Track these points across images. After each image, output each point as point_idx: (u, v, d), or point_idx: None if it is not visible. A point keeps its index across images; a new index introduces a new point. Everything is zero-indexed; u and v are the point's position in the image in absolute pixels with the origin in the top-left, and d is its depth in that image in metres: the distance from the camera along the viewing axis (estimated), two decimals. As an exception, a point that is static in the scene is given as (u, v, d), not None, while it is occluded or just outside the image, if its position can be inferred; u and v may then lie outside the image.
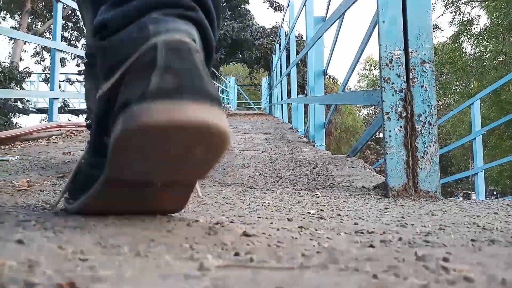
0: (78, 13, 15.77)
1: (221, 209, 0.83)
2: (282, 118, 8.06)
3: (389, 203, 1.12)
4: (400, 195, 1.35)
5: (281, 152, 2.76)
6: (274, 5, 15.36)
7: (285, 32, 7.47)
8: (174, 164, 0.54)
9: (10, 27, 15.50)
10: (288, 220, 0.70)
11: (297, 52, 6.39)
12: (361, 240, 0.53)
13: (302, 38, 13.50)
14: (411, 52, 1.42)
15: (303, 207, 0.92)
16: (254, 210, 0.80)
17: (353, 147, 2.42)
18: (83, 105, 16.09)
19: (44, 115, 15.87)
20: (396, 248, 0.50)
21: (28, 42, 12.77)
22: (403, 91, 1.40)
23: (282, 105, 7.99)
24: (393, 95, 1.40)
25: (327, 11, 3.41)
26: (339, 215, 0.77)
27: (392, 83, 1.40)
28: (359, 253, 0.46)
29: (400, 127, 1.39)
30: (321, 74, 3.51)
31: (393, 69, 1.41)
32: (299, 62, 5.11)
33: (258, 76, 17.42)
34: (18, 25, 14.21)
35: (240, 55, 14.78)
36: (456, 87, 17.97)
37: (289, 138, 4.00)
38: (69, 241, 0.43)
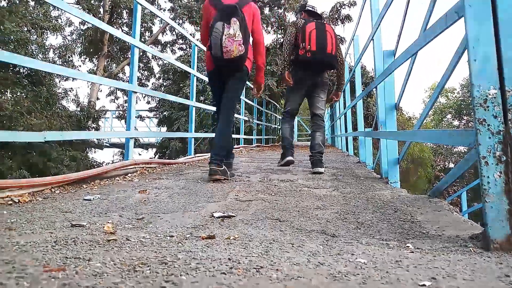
0: (148, 54, 16.93)
1: (318, 273, 0.77)
2: (347, 150, 7.86)
3: (501, 264, 1.00)
4: (503, 248, 1.21)
5: (354, 191, 2.64)
6: (335, 37, 15.40)
7: (348, 64, 7.41)
8: None
9: (89, 69, 17.00)
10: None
11: (362, 83, 6.27)
12: None
13: (365, 69, 13.34)
14: (508, 91, 1.30)
15: (407, 271, 0.84)
16: (362, 282, 0.73)
17: (436, 186, 2.25)
18: (152, 140, 17.02)
19: (116, 149, 16.94)
20: None
21: (104, 83, 13.82)
22: (501, 133, 1.28)
23: (346, 137, 7.81)
24: (489, 137, 1.28)
25: (397, 45, 3.32)
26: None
27: (488, 125, 1.29)
28: None
29: (500, 172, 1.26)
30: (393, 108, 3.35)
31: (488, 110, 1.30)
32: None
33: (319, 108, 17.33)
34: (95, 67, 15.50)
35: (301, 87, 14.83)
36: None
37: (358, 174, 3.85)
38: None
